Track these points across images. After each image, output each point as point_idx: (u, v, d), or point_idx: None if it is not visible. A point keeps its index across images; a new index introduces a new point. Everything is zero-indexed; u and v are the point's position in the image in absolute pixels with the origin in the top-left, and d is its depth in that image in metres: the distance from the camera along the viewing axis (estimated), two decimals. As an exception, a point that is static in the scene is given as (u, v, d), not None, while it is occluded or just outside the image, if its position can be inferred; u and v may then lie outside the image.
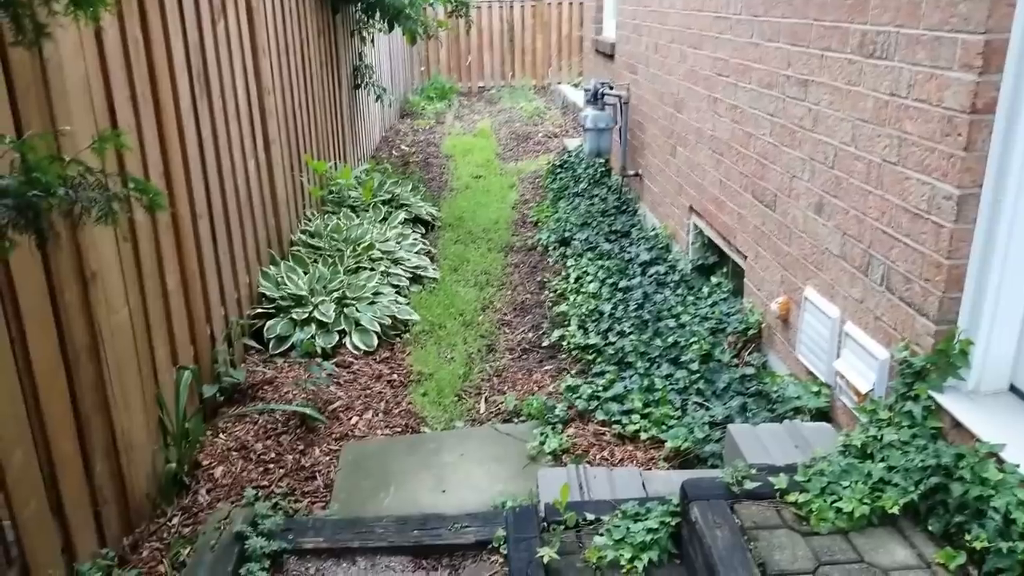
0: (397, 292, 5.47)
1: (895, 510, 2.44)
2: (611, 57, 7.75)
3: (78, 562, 2.68)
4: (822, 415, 3.43)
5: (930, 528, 2.40)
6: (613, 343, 4.55)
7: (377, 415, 4.14)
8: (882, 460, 2.62)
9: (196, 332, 3.82)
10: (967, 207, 2.62)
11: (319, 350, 4.62)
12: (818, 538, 2.43)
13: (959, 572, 2.24)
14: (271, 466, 3.62)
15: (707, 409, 3.77)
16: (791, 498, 2.58)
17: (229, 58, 4.44)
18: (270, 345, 4.61)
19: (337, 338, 4.76)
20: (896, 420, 2.76)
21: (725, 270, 4.97)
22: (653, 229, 6.24)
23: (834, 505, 2.50)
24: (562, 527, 2.86)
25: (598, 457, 3.64)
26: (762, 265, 4.20)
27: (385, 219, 6.59)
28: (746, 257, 4.44)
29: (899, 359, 2.88)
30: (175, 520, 3.24)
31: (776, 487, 2.63)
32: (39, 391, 2.48)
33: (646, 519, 2.76)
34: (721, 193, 4.81)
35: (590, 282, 5.45)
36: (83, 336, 2.75)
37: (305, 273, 5.13)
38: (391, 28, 8.17)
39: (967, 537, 2.27)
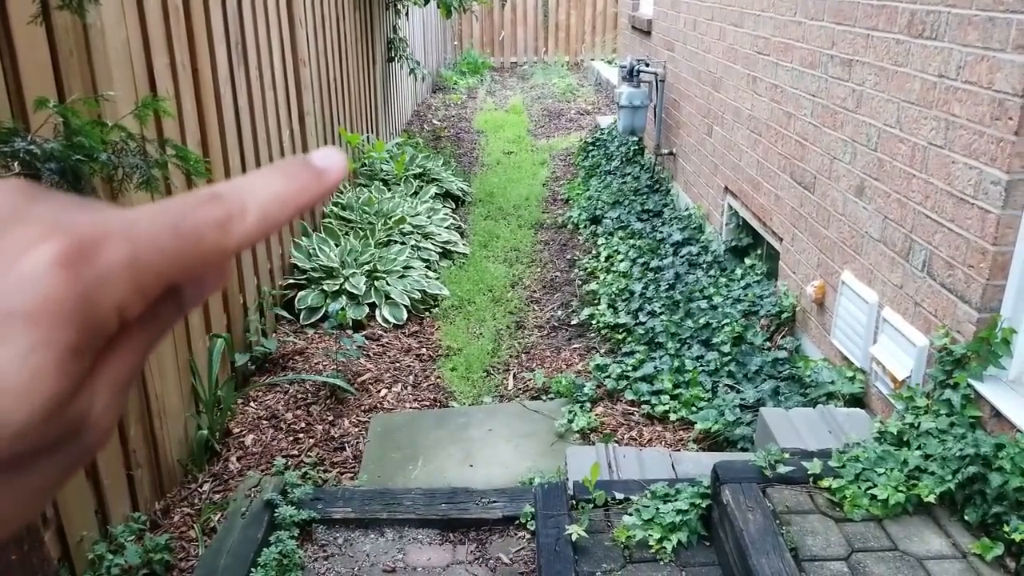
0: (427, 266, 5.47)
1: (931, 499, 2.41)
2: (648, 34, 7.65)
3: (111, 524, 2.72)
4: (856, 401, 3.39)
5: (966, 518, 2.37)
6: (643, 323, 4.52)
7: (406, 388, 4.15)
8: (918, 448, 2.58)
9: (229, 301, 3.84)
10: (1016, 193, 2.55)
11: (349, 322, 4.64)
12: (851, 524, 2.41)
13: (996, 564, 2.21)
14: (301, 436, 3.65)
15: (738, 392, 3.74)
16: (824, 483, 2.55)
17: (266, 28, 4.43)
18: (301, 316, 4.64)
19: (367, 311, 4.78)
20: (934, 408, 2.72)
21: (759, 252, 4.91)
22: (686, 209, 6.18)
23: (868, 492, 2.47)
24: (591, 505, 2.86)
25: (626, 437, 3.63)
26: (798, 248, 4.15)
27: (416, 193, 6.59)
28: (782, 239, 4.38)
29: (938, 346, 2.83)
30: (206, 486, 3.28)
31: (809, 472, 2.60)
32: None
33: (676, 500, 2.75)
34: (758, 174, 4.74)
35: (621, 261, 5.41)
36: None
37: (337, 245, 5.14)
38: (426, 1, 8.11)
39: (1005, 528, 2.24)
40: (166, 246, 0.31)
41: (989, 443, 2.39)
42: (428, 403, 4.04)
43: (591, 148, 8.55)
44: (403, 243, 5.49)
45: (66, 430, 0.30)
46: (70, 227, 0.29)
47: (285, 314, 4.65)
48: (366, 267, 5.01)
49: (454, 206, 7.00)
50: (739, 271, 4.77)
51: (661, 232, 5.83)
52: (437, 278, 5.38)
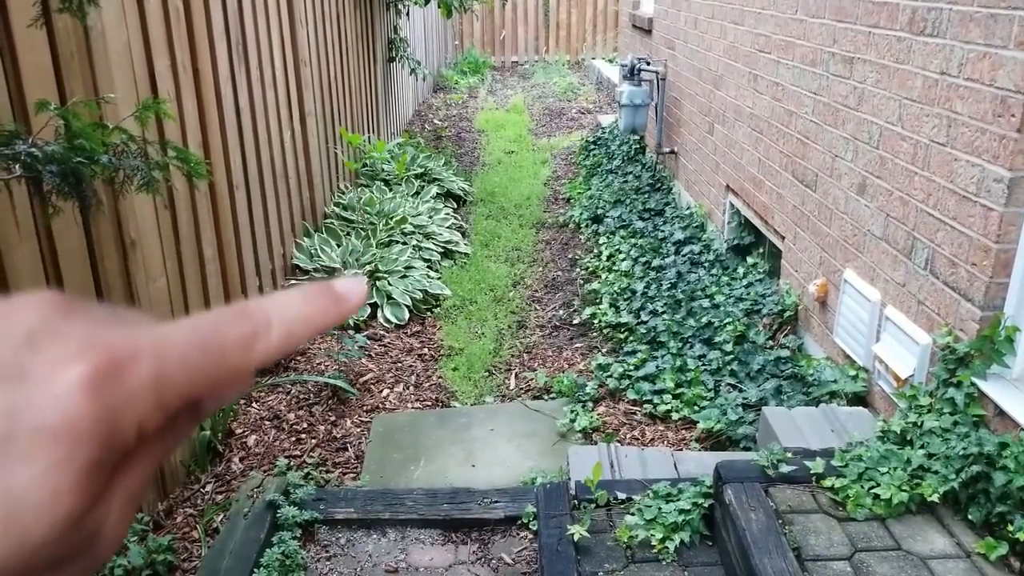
0: (428, 266, 5.47)
1: (934, 498, 2.40)
2: (648, 32, 7.64)
3: (115, 525, 2.71)
4: (859, 400, 3.38)
5: (970, 517, 2.37)
6: (645, 322, 4.52)
7: (408, 388, 4.15)
8: (922, 447, 2.58)
9: (231, 301, 3.83)
10: (1018, 190, 2.54)
11: (351, 322, 4.64)
12: (854, 524, 2.40)
13: (1000, 563, 2.20)
14: (303, 436, 3.65)
15: (740, 391, 3.74)
16: (827, 483, 2.55)
17: (267, 28, 4.43)
18: (303, 316, 4.63)
19: (369, 311, 4.78)
20: (937, 407, 2.72)
21: (761, 251, 4.91)
22: (688, 208, 6.17)
23: (871, 491, 2.47)
24: (593, 505, 2.85)
25: (628, 436, 3.62)
26: (800, 246, 4.14)
27: (417, 193, 6.58)
28: (784, 238, 4.38)
29: (941, 344, 2.82)
30: (208, 487, 3.28)
31: (812, 471, 2.60)
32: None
33: (678, 500, 2.74)
34: (759, 172, 4.73)
35: (622, 260, 5.41)
36: (122, 303, 2.78)
37: (338, 245, 5.14)
38: (427, 1, 8.11)
39: (1009, 528, 2.23)
40: (193, 363, 0.32)
41: (993, 442, 2.39)
42: (430, 403, 4.04)
43: (592, 147, 8.54)
44: (404, 243, 5.49)
45: (81, 543, 0.30)
46: (102, 345, 0.30)
47: (287, 314, 4.65)
48: (368, 267, 5.01)
49: (455, 206, 6.99)
50: (741, 270, 4.76)
51: (663, 231, 5.82)
52: (439, 278, 5.37)
